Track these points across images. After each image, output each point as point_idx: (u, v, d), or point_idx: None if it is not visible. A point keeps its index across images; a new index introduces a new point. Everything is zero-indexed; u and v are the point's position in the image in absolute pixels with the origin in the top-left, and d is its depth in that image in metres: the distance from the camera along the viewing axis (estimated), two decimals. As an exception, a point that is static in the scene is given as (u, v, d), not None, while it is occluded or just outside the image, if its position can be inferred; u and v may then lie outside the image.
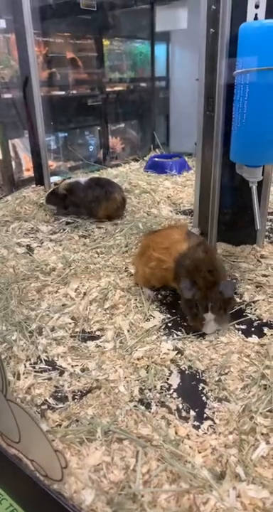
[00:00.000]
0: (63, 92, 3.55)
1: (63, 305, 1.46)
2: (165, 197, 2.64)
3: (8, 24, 4.05)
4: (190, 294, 1.25)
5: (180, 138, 4.22)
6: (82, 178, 2.45)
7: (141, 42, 4.38)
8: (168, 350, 1.21)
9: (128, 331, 1.29)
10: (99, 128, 3.89)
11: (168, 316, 1.39)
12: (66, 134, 4.75)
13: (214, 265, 1.29)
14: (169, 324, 1.35)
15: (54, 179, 3.72)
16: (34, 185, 2.81)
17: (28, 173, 3.67)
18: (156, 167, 3.16)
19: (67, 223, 2.26)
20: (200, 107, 1.79)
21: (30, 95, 2.50)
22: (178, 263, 1.34)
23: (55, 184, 2.39)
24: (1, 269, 1.71)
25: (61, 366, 1.17)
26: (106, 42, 3.76)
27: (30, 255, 1.86)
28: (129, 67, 4.36)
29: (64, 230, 2.17)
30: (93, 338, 1.29)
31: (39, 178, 2.73)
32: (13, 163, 3.28)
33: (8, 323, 1.33)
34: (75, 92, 3.78)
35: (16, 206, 2.40)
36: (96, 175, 3.13)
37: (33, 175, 3.49)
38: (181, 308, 1.35)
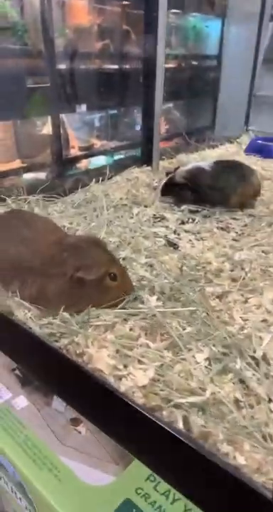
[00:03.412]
0: (116, 66, 3.20)
1: (263, 320, 1.16)
2: (290, 185, 2.31)
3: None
4: None
5: (227, 121, 3.87)
6: (203, 162, 2.11)
7: (194, 15, 4.01)
8: None
9: None
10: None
11: None
12: (115, 112, 4.40)
13: None
14: None
15: (100, 160, 3.42)
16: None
17: (74, 150, 3.38)
18: (261, 151, 2.81)
19: (191, 211, 1.95)
20: None
21: (151, 66, 2.16)
22: None
23: (167, 174, 2.08)
24: (155, 264, 1.40)
25: None
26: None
27: (175, 249, 1.56)
28: (181, 42, 4.00)
29: (193, 219, 1.86)
30: None
31: (147, 158, 2.39)
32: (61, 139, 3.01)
33: (219, 344, 1.03)
34: (127, 66, 3.43)
35: (131, 188, 2.08)
36: (194, 156, 2.80)
37: (78, 153, 3.19)
38: None
